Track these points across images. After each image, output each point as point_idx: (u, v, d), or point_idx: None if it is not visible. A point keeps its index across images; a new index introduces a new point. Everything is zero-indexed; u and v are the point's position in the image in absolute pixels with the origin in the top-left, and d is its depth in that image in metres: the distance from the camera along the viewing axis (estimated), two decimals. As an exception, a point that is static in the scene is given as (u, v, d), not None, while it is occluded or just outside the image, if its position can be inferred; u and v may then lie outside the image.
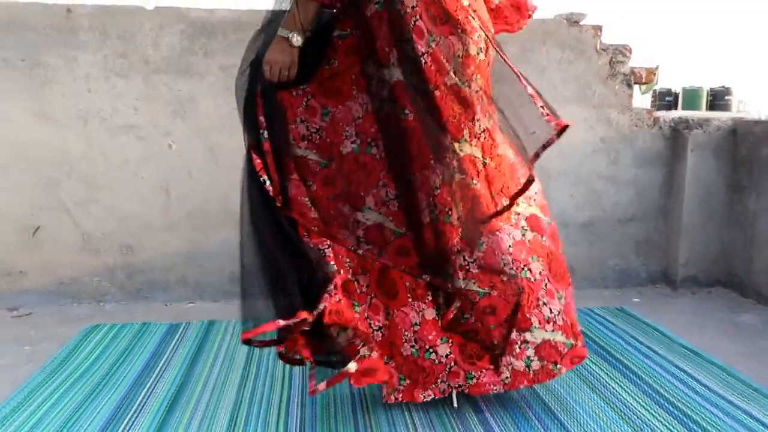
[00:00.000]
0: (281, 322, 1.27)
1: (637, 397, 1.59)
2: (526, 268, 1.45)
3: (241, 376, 1.70)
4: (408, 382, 1.48)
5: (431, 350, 1.46)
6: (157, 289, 2.36)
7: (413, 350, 1.46)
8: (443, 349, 1.46)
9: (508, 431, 1.43)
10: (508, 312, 1.42)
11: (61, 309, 2.29)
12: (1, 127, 2.21)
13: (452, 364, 1.47)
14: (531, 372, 1.46)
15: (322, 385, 1.35)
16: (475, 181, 1.42)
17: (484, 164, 1.44)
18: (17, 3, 2.18)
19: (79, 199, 2.28)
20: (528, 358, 1.46)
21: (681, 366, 1.79)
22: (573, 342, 1.48)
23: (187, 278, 2.37)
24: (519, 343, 1.45)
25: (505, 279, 1.42)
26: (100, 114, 2.25)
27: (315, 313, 1.27)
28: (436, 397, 1.49)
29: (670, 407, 1.54)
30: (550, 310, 1.46)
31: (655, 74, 2.60)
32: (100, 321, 2.14)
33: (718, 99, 12.05)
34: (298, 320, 1.25)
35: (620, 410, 1.53)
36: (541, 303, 1.45)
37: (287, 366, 1.71)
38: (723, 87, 12.16)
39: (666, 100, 12.51)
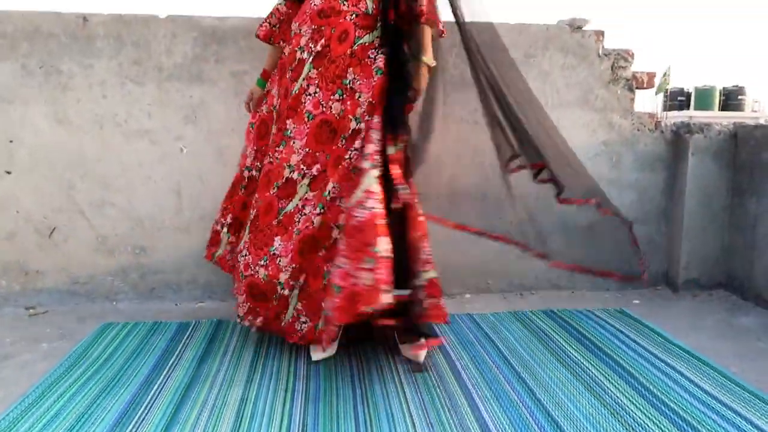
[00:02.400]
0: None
1: (630, 397, 1.64)
2: None
3: (247, 375, 1.76)
4: None
5: None
6: (168, 289, 2.44)
7: None
8: None
9: (498, 421, 1.48)
10: None
11: (76, 307, 2.37)
12: (20, 131, 2.30)
13: None
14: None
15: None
16: None
17: None
18: (35, 12, 2.26)
19: (94, 201, 2.36)
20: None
21: (676, 367, 1.83)
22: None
23: (197, 279, 2.44)
24: None
25: None
26: (115, 119, 2.33)
27: None
28: None
29: (664, 408, 1.59)
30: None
31: (666, 78, 2.63)
32: (113, 320, 2.22)
33: (731, 99, 11.95)
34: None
35: (614, 409, 1.57)
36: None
37: (291, 365, 1.83)
38: (736, 86, 12.04)
39: (678, 99, 12.43)
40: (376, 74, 1.76)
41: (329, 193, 1.77)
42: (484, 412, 1.56)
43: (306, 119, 1.80)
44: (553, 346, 1.98)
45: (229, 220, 2.07)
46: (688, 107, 12.03)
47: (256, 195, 1.90)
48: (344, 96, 1.77)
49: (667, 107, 11.93)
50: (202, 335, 2.06)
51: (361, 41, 1.76)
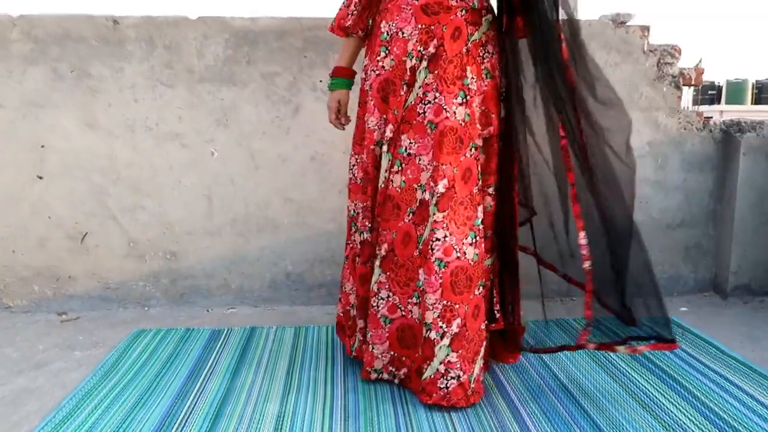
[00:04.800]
0: None
1: (687, 413, 1.54)
2: None
3: (283, 388, 1.70)
4: None
5: None
6: (199, 294, 2.40)
7: None
8: None
9: (556, 449, 1.40)
10: None
11: (108, 313, 2.35)
12: (52, 136, 2.28)
13: None
14: None
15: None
16: None
17: None
18: (65, 15, 2.23)
19: (126, 206, 2.34)
20: None
21: (736, 382, 1.72)
22: None
23: (228, 284, 2.40)
24: None
25: None
26: (146, 123, 2.29)
27: None
28: None
29: (726, 427, 1.49)
30: None
31: (703, 73, 2.50)
32: (145, 325, 2.19)
33: (764, 92, 11.54)
34: None
35: (670, 426, 1.48)
36: None
37: (327, 377, 1.77)
38: (770, 79, 11.64)
39: (709, 93, 12.07)
40: (486, 77, 1.60)
41: (480, 221, 1.56)
42: (531, 426, 1.48)
43: (428, 130, 1.55)
44: (600, 357, 1.89)
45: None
46: (719, 101, 11.68)
47: (380, 229, 1.63)
48: (467, 98, 1.55)
49: (699, 102, 11.59)
50: (235, 343, 2.01)
51: (473, 38, 1.57)
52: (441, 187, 1.52)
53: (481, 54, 1.60)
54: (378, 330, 1.66)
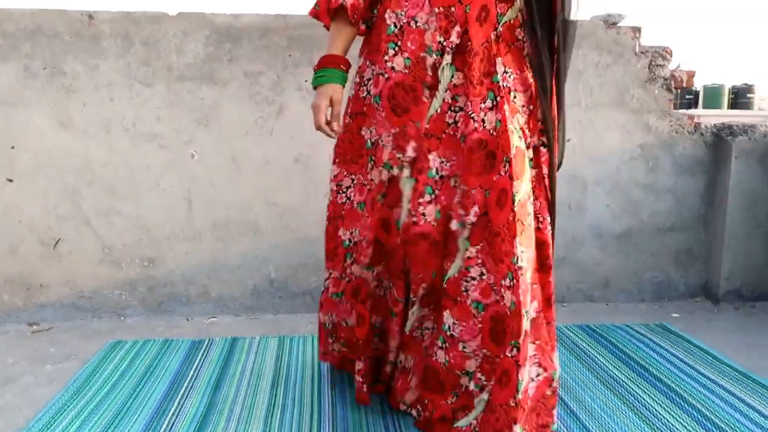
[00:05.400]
0: None
1: (682, 420, 1.49)
2: None
3: (268, 403, 1.62)
4: None
5: None
6: (178, 303, 2.30)
7: None
8: None
9: (555, 466, 1.34)
10: None
11: (82, 323, 2.23)
12: (23, 135, 2.16)
13: None
14: None
15: None
16: None
17: None
18: (38, 9, 2.12)
19: (101, 210, 2.23)
20: None
21: (728, 388, 1.68)
22: None
23: (209, 292, 2.30)
24: None
25: None
26: (123, 123, 2.19)
27: None
28: None
29: (727, 439, 1.45)
30: None
31: (694, 76, 2.48)
32: (121, 336, 2.09)
33: (740, 97, 11.72)
34: None
35: (673, 442, 1.43)
36: None
37: (314, 392, 1.69)
38: (745, 84, 11.83)
39: (686, 98, 12.23)
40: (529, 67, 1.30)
41: (517, 259, 1.21)
42: None
43: (462, 144, 1.26)
44: (594, 366, 1.84)
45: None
46: (696, 105, 11.84)
47: (416, 274, 1.37)
48: (498, 100, 1.23)
49: (677, 106, 11.70)
50: (216, 355, 1.92)
51: (505, 19, 1.25)
52: (472, 215, 1.25)
53: (519, 37, 1.28)
54: (419, 358, 1.48)
